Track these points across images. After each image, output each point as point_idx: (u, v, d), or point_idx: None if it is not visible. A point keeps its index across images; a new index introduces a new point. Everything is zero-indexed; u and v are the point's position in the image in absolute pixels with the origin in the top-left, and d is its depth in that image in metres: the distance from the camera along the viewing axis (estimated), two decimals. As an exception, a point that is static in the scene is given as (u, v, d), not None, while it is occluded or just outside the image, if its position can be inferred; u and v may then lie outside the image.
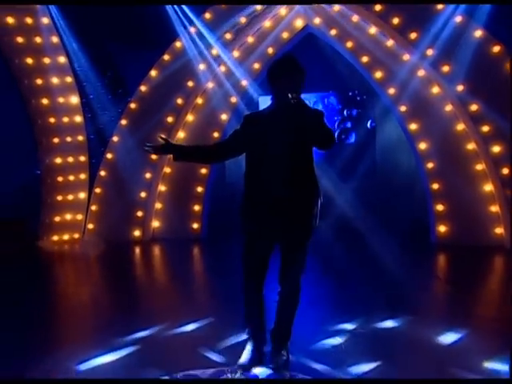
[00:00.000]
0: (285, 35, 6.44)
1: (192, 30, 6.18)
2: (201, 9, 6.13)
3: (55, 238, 6.48)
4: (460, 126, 5.94)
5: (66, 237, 6.57)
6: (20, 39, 6.09)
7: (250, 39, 6.47)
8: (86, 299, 4.34)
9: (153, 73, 6.50)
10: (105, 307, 4.08)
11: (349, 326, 3.25)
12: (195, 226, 6.81)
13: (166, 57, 6.45)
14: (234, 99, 6.56)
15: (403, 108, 6.15)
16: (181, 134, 6.71)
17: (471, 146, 5.90)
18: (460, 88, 5.75)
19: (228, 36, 6.24)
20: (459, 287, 4.34)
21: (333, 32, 6.29)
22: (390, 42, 6.14)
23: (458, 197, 5.93)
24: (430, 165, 6.09)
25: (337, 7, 6.21)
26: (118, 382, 2.37)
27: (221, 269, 5.18)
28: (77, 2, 5.97)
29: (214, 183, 7.06)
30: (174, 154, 2.61)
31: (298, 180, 2.44)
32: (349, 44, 6.27)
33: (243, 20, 6.13)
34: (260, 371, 2.45)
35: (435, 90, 5.97)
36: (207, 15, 6.22)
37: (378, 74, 6.25)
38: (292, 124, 2.37)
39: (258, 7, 6.05)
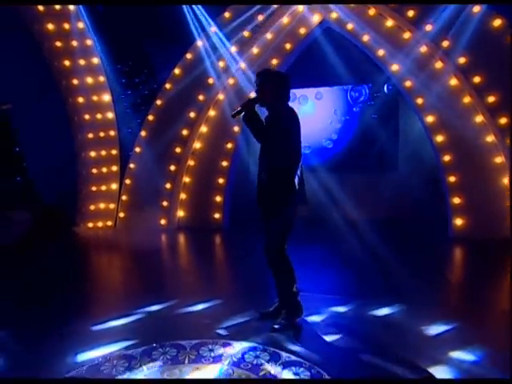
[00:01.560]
0: (302, 31, 6.65)
1: (212, 29, 6.55)
2: (220, 8, 6.48)
3: (90, 224, 7.17)
4: (478, 118, 5.91)
5: (99, 224, 7.23)
6: (59, 43, 6.76)
7: (269, 35, 6.73)
8: (113, 276, 4.95)
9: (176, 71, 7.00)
10: (128, 283, 4.66)
11: (341, 309, 3.53)
12: (217, 216, 7.24)
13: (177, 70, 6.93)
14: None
15: (419, 100, 6.20)
16: (197, 145, 7.19)
17: (490, 138, 5.86)
18: (477, 79, 5.73)
19: (246, 34, 6.55)
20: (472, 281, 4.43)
21: (349, 26, 6.43)
22: (406, 35, 6.19)
23: (475, 190, 5.92)
24: (447, 157, 6.11)
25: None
26: (118, 382, 2.49)
27: (238, 257, 5.59)
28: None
29: (237, 174, 7.47)
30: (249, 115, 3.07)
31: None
32: (365, 38, 6.39)
33: (260, 17, 6.41)
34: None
35: (453, 81, 5.96)
36: (226, 14, 6.58)
37: (394, 67, 6.32)
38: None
39: (260, 17, 6.34)
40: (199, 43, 6.72)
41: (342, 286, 4.24)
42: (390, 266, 4.74)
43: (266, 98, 3.07)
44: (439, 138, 6.13)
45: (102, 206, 7.26)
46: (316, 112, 8.25)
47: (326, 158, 8.37)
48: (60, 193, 6.96)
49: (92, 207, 7.18)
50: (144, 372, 2.55)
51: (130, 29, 7.70)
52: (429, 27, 5.87)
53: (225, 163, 7.16)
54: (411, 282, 4.18)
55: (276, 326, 3.04)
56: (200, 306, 3.61)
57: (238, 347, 2.83)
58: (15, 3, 6.24)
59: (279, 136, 2.98)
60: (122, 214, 7.29)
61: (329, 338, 2.98)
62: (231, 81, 6.90)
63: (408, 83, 6.23)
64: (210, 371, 2.53)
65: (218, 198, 7.24)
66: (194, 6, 6.49)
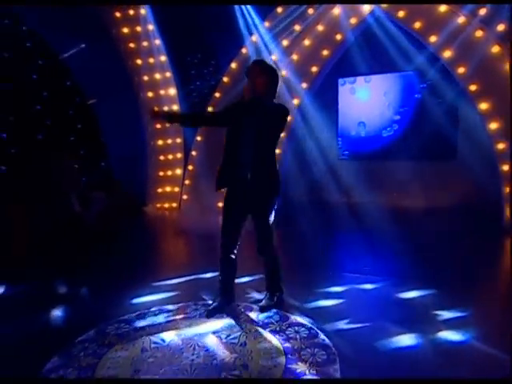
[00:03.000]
0: (353, 20, 6.82)
1: (254, 38, 7.02)
2: (262, 17, 6.91)
3: (158, 205, 8.16)
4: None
5: (165, 205, 8.19)
6: (132, 45, 7.72)
7: (320, 27, 7.00)
8: (175, 247, 5.85)
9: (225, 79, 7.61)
10: (186, 253, 5.47)
11: (369, 286, 3.89)
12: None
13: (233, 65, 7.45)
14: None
15: (473, 87, 6.09)
16: None
17: (549, 125, 5.61)
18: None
19: (297, 28, 6.91)
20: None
21: (400, 14, 6.46)
22: (461, 19, 6.08)
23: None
24: (501, 145, 5.96)
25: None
26: (119, 382, 2.54)
27: (286, 234, 6.05)
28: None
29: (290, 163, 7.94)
30: (166, 120, 3.43)
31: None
32: (417, 25, 6.38)
33: (311, 11, 6.72)
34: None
35: (508, 67, 5.78)
36: (266, 23, 7.00)
37: (447, 54, 6.25)
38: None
39: (310, 11, 6.59)
40: (253, 38, 7.22)
41: (382, 268, 4.42)
42: (435, 253, 4.95)
43: (257, 91, 3.03)
44: (493, 126, 5.99)
45: (167, 189, 8.20)
46: (371, 98, 8.35)
47: (386, 145, 8.48)
48: (133, 177, 8.00)
49: (159, 190, 8.15)
50: (177, 321, 3.21)
51: (197, 23, 8.43)
52: (483, 10, 5.74)
53: (276, 151, 7.64)
54: (450, 269, 4.37)
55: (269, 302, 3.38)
56: (245, 279, 4.03)
57: (255, 309, 3.37)
58: (15, 3, 6.53)
59: (278, 130, 3.17)
60: (185, 197, 8.17)
61: (334, 308, 3.41)
62: (283, 72, 7.32)
63: (461, 69, 6.14)
64: (227, 325, 3.11)
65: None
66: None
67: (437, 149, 7.94)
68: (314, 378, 2.43)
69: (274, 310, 3.34)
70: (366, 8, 6.69)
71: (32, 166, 7.80)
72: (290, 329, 3.05)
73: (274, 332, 3.00)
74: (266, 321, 3.19)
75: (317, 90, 7.53)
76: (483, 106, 6.04)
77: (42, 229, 5.35)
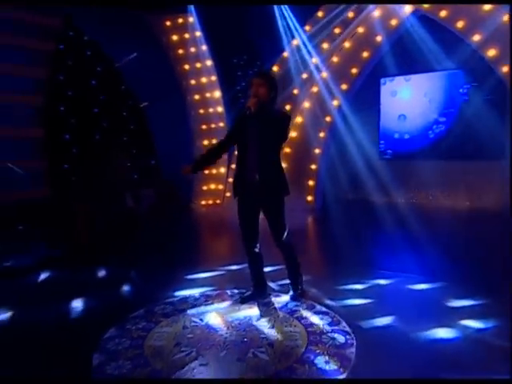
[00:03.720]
0: (393, 22, 6.95)
1: (295, 42, 7.31)
2: (303, 21, 7.18)
3: (203, 201, 8.71)
4: None
5: (210, 201, 8.73)
6: (180, 51, 8.30)
7: (361, 29, 7.19)
8: (215, 241, 6.34)
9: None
10: (223, 247, 5.92)
11: (383, 282, 4.15)
12: (309, 198, 8.10)
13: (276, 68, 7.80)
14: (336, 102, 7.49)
15: (517, 86, 6.03)
16: (293, 134, 8.02)
17: None
18: None
19: (337, 30, 7.14)
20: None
21: (442, 13, 6.50)
22: (505, 17, 6.03)
23: None
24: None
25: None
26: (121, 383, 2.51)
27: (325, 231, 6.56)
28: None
29: (330, 162, 8.20)
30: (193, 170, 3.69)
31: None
32: (459, 24, 6.40)
33: (351, 14, 6.92)
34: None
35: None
36: (307, 27, 7.26)
37: (491, 52, 6.22)
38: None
39: (350, 14, 6.78)
40: (295, 42, 7.53)
41: (409, 266, 4.55)
42: (463, 252, 5.07)
43: (261, 99, 3.31)
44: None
45: (212, 186, 8.74)
46: (412, 98, 8.38)
47: (428, 145, 8.49)
48: (180, 175, 8.59)
49: (204, 187, 8.70)
50: (214, 305, 3.65)
51: (242, 26, 8.88)
52: (527, 9, 5.68)
53: (317, 151, 7.93)
54: (472, 268, 4.50)
55: (296, 293, 3.71)
56: (269, 268, 4.46)
57: (284, 298, 3.74)
58: (15, 3, 6.60)
59: (282, 135, 3.43)
60: (228, 194, 8.66)
61: (359, 302, 3.69)
62: (324, 74, 7.58)
63: (505, 68, 6.11)
64: (258, 310, 3.50)
65: (311, 182, 8.08)
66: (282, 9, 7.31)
67: (483, 148, 7.84)
68: (327, 363, 2.75)
69: (302, 300, 3.69)
70: (407, 9, 6.78)
71: (91, 165, 8.66)
72: (314, 316, 3.38)
73: (299, 318, 3.35)
74: (293, 308, 3.54)
75: (358, 90, 7.70)
76: (528, 105, 5.97)
77: (101, 222, 6.04)
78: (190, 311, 3.54)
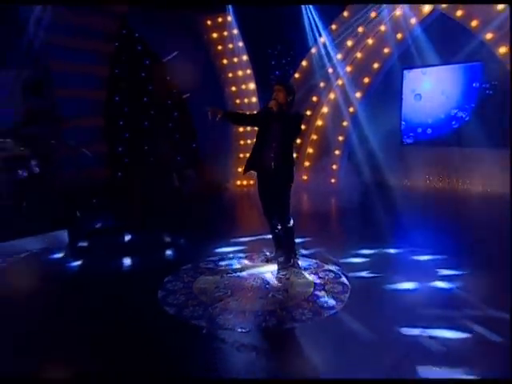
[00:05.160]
0: (412, 21, 7.55)
1: (321, 40, 8.05)
2: (329, 20, 7.89)
3: (238, 182, 9.76)
4: None
5: (244, 182, 9.76)
6: (220, 47, 9.24)
7: (383, 27, 7.84)
8: (244, 215, 7.39)
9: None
10: (251, 221, 6.94)
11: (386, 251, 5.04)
12: (333, 180, 8.97)
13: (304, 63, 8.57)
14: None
15: (524, 82, 6.57)
16: (319, 122, 8.83)
17: None
18: None
19: (360, 30, 7.84)
20: None
21: (459, 13, 7.06)
22: (515, 18, 6.53)
23: None
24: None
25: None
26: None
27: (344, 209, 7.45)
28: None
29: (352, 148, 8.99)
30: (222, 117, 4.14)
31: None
32: (474, 23, 6.94)
33: (373, 14, 7.59)
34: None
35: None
36: (333, 26, 7.97)
37: (502, 50, 6.76)
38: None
39: (373, 14, 7.43)
40: (322, 40, 8.29)
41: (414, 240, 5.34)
42: (468, 231, 5.84)
43: (282, 102, 4.13)
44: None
45: (246, 169, 9.74)
46: (431, 88, 8.94)
47: (449, 133, 9.07)
48: (218, 158, 9.67)
49: (239, 169, 9.72)
50: (245, 263, 4.69)
51: (275, 21, 9.68)
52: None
53: (340, 138, 8.74)
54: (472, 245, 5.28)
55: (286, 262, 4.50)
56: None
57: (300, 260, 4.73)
58: (15, 3, 6.79)
59: (295, 133, 4.35)
60: (260, 176, 9.63)
61: (361, 265, 4.62)
62: (348, 68, 8.31)
63: (514, 65, 6.65)
64: (279, 267, 4.50)
65: (334, 166, 8.93)
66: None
67: (499, 136, 8.34)
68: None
69: (314, 260, 4.67)
70: (426, 9, 7.37)
71: (141, 148, 9.89)
72: (322, 272, 4.36)
73: (310, 273, 4.34)
74: (306, 266, 4.53)
75: (380, 82, 8.37)
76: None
77: (153, 197, 7.22)
78: (226, 266, 4.61)
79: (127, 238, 5.79)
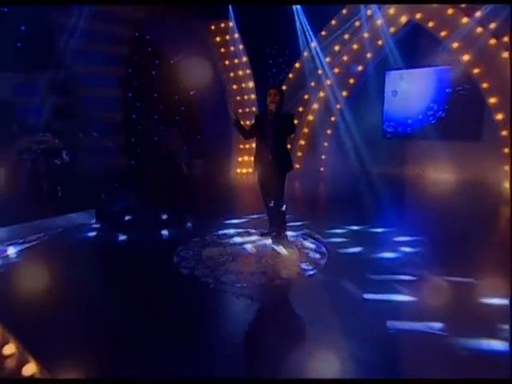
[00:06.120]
0: (392, 29, 8.15)
1: (312, 45, 8.64)
2: (319, 27, 8.47)
3: (238, 170, 10.45)
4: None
5: (244, 170, 10.45)
6: (222, 50, 9.82)
7: (366, 35, 8.43)
8: (244, 198, 8.09)
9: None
10: (250, 203, 7.65)
11: (360, 227, 5.77)
12: (322, 169, 9.67)
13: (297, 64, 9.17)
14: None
15: (485, 85, 7.23)
16: (310, 117, 9.46)
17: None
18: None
19: (346, 36, 8.44)
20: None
21: (430, 24, 7.65)
22: (479, 30, 7.15)
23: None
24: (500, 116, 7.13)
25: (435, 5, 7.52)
26: (121, 382, 2.62)
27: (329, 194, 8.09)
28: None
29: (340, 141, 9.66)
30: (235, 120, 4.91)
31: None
32: (443, 33, 7.55)
33: (357, 23, 8.18)
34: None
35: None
36: (323, 33, 8.55)
37: (466, 57, 7.39)
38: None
39: (357, 23, 8.03)
40: (313, 44, 8.89)
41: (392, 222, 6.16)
42: (434, 212, 6.58)
43: (280, 106, 4.78)
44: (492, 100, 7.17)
45: (245, 158, 10.41)
46: (411, 89, 9.58)
47: (425, 128, 9.73)
48: (220, 148, 10.33)
49: (239, 159, 10.41)
50: (244, 237, 5.42)
51: (272, 23, 10.23)
52: (493, 25, 6.81)
53: (329, 131, 9.41)
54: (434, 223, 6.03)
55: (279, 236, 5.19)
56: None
57: (288, 234, 5.45)
58: (15, 3, 6.85)
59: (290, 129, 4.84)
60: (258, 165, 10.31)
61: (339, 238, 5.36)
62: (336, 70, 8.93)
63: (476, 70, 7.29)
64: (271, 240, 5.23)
65: (323, 156, 9.61)
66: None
67: (464, 131, 9.03)
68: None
69: (300, 234, 5.41)
70: (403, 20, 7.96)
71: (151, 139, 10.55)
72: (306, 244, 5.10)
73: (297, 245, 5.08)
74: (293, 240, 5.27)
75: (363, 83, 9.01)
76: (492, 100, 7.19)
77: (163, 184, 7.91)
78: (228, 239, 5.35)
79: (145, 216, 6.52)
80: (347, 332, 3.11)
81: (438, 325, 3.21)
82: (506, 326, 2.94)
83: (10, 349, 2.87)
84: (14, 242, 5.23)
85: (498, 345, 2.91)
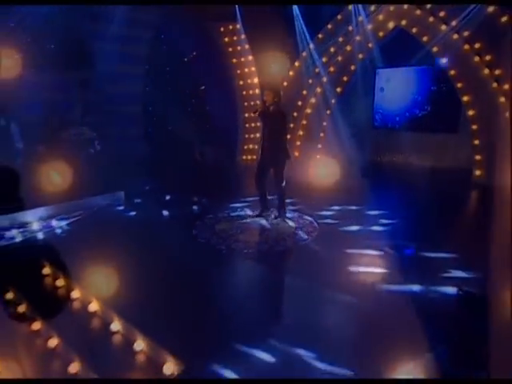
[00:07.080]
0: (380, 34, 8.72)
1: (310, 46, 9.22)
2: (316, 30, 9.05)
3: (244, 157, 11.17)
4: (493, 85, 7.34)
5: (249, 157, 11.17)
6: (230, 49, 10.42)
7: (358, 37, 9.01)
8: (250, 182, 8.84)
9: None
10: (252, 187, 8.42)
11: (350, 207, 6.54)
12: (318, 156, 10.37)
13: (297, 63, 9.77)
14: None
15: (459, 85, 7.86)
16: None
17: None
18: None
19: (341, 39, 9.02)
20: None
21: (414, 30, 8.23)
22: (455, 36, 7.73)
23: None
24: (472, 112, 7.81)
25: (418, 11, 8.07)
26: (120, 382, 2.58)
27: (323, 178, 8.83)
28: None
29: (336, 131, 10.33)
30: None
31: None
32: (425, 38, 8.13)
33: (350, 28, 8.75)
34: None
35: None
36: (320, 35, 9.12)
37: (444, 60, 7.99)
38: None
39: (350, 28, 8.60)
40: (310, 46, 9.47)
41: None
42: (414, 193, 7.32)
43: (274, 100, 5.42)
44: (471, 112, 7.82)
45: (251, 146, 11.13)
46: (399, 85, 10.19)
47: (412, 120, 10.37)
48: (229, 138, 11.04)
49: (245, 147, 11.13)
50: (249, 213, 6.20)
51: (275, 25, 10.78)
52: (467, 32, 7.40)
53: (324, 123, 10.09)
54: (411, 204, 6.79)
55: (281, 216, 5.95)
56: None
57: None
58: (15, 3, 6.83)
59: (282, 123, 5.50)
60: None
61: (329, 217, 6.13)
62: (331, 69, 9.54)
63: (452, 72, 7.91)
64: (272, 217, 6.00)
65: (319, 145, 10.31)
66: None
67: (441, 124, 9.65)
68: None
69: (297, 212, 6.19)
70: (391, 25, 8.53)
71: (166, 129, 11.25)
72: (301, 220, 5.89)
73: (293, 220, 5.86)
74: (291, 216, 6.05)
75: (355, 80, 9.63)
76: (465, 98, 7.85)
77: (178, 169, 8.64)
78: (237, 217, 6.14)
79: (167, 197, 7.32)
80: (330, 284, 3.93)
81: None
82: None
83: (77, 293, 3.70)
84: (61, 218, 6.05)
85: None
